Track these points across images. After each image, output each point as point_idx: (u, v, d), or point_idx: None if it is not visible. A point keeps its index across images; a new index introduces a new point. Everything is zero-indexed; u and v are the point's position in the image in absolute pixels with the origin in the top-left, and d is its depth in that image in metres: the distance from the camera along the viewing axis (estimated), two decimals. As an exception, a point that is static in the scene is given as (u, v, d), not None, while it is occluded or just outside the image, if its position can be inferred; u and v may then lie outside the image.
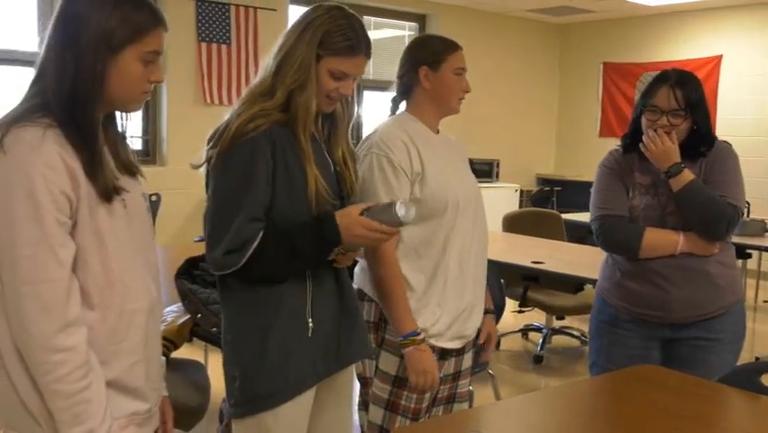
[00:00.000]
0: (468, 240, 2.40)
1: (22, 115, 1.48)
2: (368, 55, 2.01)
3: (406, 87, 2.47)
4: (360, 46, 1.97)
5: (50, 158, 1.44)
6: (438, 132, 2.50)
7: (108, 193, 1.53)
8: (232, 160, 1.89)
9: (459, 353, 2.48)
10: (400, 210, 1.90)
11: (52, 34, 1.52)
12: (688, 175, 2.51)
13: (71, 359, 1.46)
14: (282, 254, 1.90)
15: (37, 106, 1.49)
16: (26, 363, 1.48)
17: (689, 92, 2.51)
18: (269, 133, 1.89)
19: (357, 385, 2.44)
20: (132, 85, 1.56)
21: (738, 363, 2.61)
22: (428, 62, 2.41)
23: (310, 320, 1.98)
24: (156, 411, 1.73)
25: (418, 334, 2.29)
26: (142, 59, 1.55)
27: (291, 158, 1.92)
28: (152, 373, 1.68)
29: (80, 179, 1.48)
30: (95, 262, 1.52)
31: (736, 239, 5.30)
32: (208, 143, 1.95)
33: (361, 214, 1.93)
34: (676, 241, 2.55)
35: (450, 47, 2.43)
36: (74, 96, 1.49)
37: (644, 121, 2.58)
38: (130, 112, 1.66)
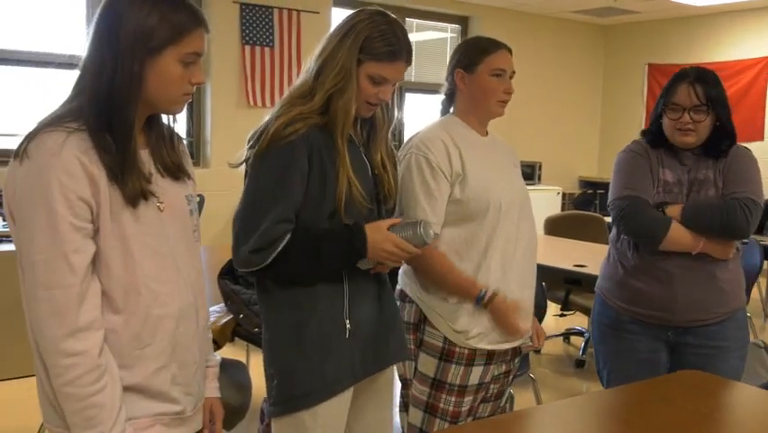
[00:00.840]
0: (512, 243, 2.38)
1: (54, 120, 1.49)
2: (408, 61, 2.01)
3: (450, 90, 2.48)
4: (401, 52, 1.97)
5: (68, 163, 1.44)
6: (487, 133, 2.49)
7: (135, 197, 1.52)
8: (268, 161, 1.91)
9: (512, 356, 2.48)
10: (426, 230, 1.97)
11: (93, 35, 1.52)
12: (674, 208, 2.50)
13: (81, 363, 1.46)
14: (307, 258, 1.93)
15: (72, 110, 1.50)
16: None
17: (709, 88, 2.48)
18: (306, 137, 1.91)
19: (398, 386, 2.45)
20: (171, 86, 1.55)
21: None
22: (463, 65, 2.41)
23: (348, 321, 1.99)
24: (194, 414, 1.71)
25: (485, 293, 2.32)
26: (182, 61, 1.54)
27: (327, 160, 1.93)
28: (184, 378, 1.66)
29: (101, 185, 1.48)
30: (117, 267, 1.52)
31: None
32: (248, 143, 1.98)
33: (389, 229, 1.96)
34: (698, 242, 2.50)
35: (487, 48, 2.40)
36: (111, 96, 1.49)
37: (665, 121, 2.55)
38: (172, 114, 1.65)
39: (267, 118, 1.97)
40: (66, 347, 1.46)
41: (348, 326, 2.00)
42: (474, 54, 2.40)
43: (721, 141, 2.54)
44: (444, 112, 2.52)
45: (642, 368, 2.58)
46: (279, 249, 1.89)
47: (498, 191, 2.36)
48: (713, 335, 2.56)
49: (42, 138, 1.46)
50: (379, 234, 1.94)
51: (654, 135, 2.62)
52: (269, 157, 1.91)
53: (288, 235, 1.90)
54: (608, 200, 2.66)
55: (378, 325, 2.08)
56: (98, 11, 1.54)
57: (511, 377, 2.54)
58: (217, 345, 2.96)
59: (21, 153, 1.47)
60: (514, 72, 2.43)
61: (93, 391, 1.48)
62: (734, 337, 2.60)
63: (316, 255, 1.93)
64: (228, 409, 2.79)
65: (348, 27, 1.96)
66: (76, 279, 1.46)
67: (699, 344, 2.57)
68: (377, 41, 1.94)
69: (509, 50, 2.44)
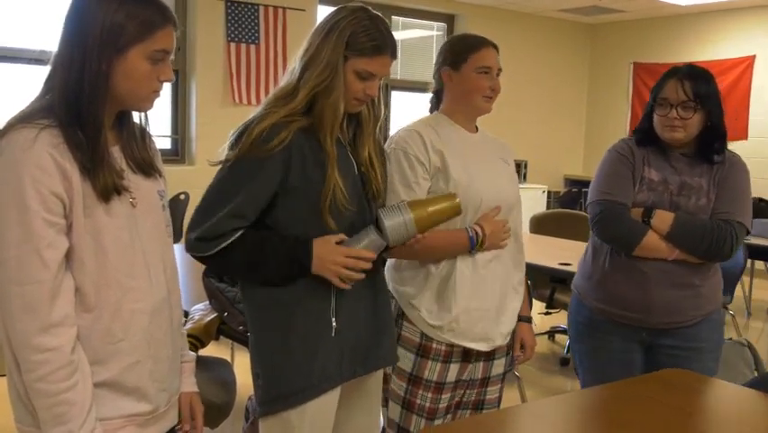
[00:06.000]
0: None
1: (25, 116, 1.49)
2: (393, 55, 2.00)
3: (438, 88, 2.48)
4: (386, 46, 1.97)
5: (40, 159, 1.44)
6: (477, 130, 2.49)
7: (107, 192, 1.52)
8: (242, 163, 1.91)
9: (488, 357, 2.46)
10: (380, 232, 1.92)
11: (62, 32, 1.53)
12: (664, 216, 2.48)
13: (53, 359, 1.46)
14: (246, 261, 1.94)
15: (43, 106, 1.51)
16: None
17: (698, 84, 2.46)
18: (288, 148, 1.90)
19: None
20: (139, 84, 1.55)
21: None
22: (449, 63, 2.41)
23: (334, 320, 1.98)
24: (167, 411, 1.71)
25: (476, 233, 2.29)
26: (150, 58, 1.54)
27: (311, 163, 1.93)
28: (160, 374, 1.66)
29: (73, 180, 1.48)
30: (90, 262, 1.52)
31: None
32: (228, 143, 1.97)
33: (341, 243, 1.94)
34: (674, 250, 2.48)
35: (473, 46, 2.39)
36: (80, 94, 1.49)
37: (655, 117, 2.54)
38: (141, 111, 1.66)
39: (250, 117, 1.96)
40: (38, 343, 1.45)
41: (334, 324, 1.99)
42: (460, 52, 2.40)
43: (712, 142, 2.52)
44: (433, 110, 2.52)
45: (616, 368, 2.58)
46: (223, 245, 1.90)
47: (480, 188, 2.34)
48: (687, 336, 2.56)
49: (13, 134, 1.46)
50: (325, 248, 1.91)
51: (644, 133, 2.60)
52: (244, 160, 1.91)
53: (238, 234, 1.91)
54: (587, 201, 2.66)
55: (368, 326, 2.07)
56: (68, 8, 1.55)
57: (489, 387, 2.49)
58: (202, 343, 2.95)
59: None
60: (500, 69, 2.42)
61: (64, 388, 1.48)
62: (708, 339, 2.58)
63: (255, 263, 1.94)
64: (213, 407, 2.79)
65: (331, 25, 1.95)
66: (49, 274, 1.46)
67: (673, 345, 2.57)
68: (361, 37, 1.93)
69: (495, 48, 2.43)
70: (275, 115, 1.92)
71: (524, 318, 2.55)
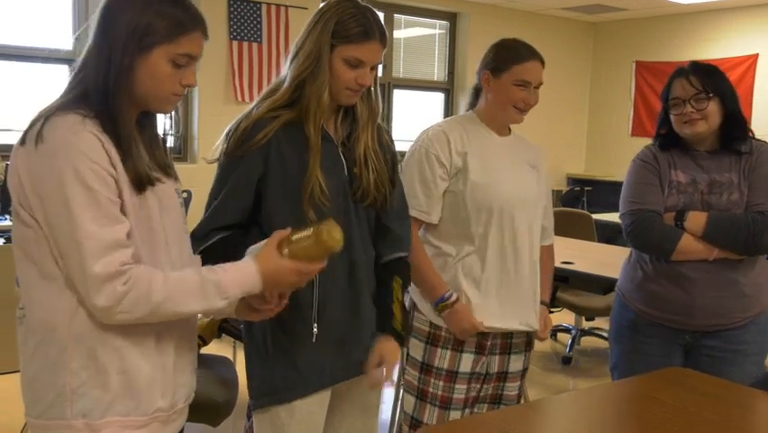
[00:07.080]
0: (510, 243, 2.39)
1: (61, 106, 1.51)
2: (383, 43, 1.98)
3: (477, 87, 2.51)
4: (373, 31, 1.95)
5: (91, 142, 1.46)
6: (509, 131, 2.51)
7: (141, 182, 1.54)
8: (227, 159, 1.96)
9: (503, 351, 2.47)
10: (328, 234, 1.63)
11: (94, 27, 1.56)
12: (696, 217, 2.46)
13: (135, 289, 1.47)
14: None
15: (75, 98, 1.52)
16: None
17: (704, 76, 2.47)
18: (267, 145, 1.92)
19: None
20: (160, 84, 1.56)
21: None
22: (491, 68, 2.43)
23: (315, 325, 1.98)
24: (182, 410, 1.72)
25: (450, 295, 2.34)
26: (173, 61, 1.56)
27: (291, 157, 1.93)
28: (180, 368, 1.68)
29: (118, 167, 1.50)
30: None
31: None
32: (222, 139, 2.00)
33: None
34: (712, 250, 2.45)
35: (517, 57, 2.41)
36: (105, 89, 1.51)
37: (672, 119, 2.53)
38: (161, 112, 1.67)
39: (241, 114, 1.99)
40: (121, 296, 1.46)
41: (315, 330, 1.98)
42: (505, 60, 2.41)
43: (732, 130, 2.51)
44: (471, 105, 2.54)
45: (652, 370, 2.56)
46: (206, 245, 1.93)
47: (496, 191, 2.35)
48: (732, 338, 2.52)
49: (56, 121, 1.47)
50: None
51: (664, 138, 2.59)
52: (229, 158, 1.96)
53: (216, 238, 1.94)
54: (619, 213, 2.65)
55: (351, 330, 2.05)
56: (99, 7, 1.57)
57: (507, 383, 2.52)
58: (204, 341, 2.95)
59: (35, 137, 1.46)
60: (541, 83, 2.44)
61: (177, 278, 1.52)
62: (753, 342, 2.54)
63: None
64: (213, 405, 2.79)
65: (317, 17, 1.97)
66: (126, 242, 1.49)
67: (715, 346, 2.54)
68: (347, 24, 1.93)
69: (542, 62, 2.46)
70: (260, 110, 1.94)
71: (542, 302, 2.56)
